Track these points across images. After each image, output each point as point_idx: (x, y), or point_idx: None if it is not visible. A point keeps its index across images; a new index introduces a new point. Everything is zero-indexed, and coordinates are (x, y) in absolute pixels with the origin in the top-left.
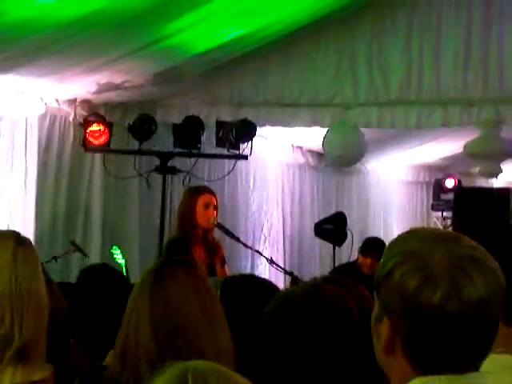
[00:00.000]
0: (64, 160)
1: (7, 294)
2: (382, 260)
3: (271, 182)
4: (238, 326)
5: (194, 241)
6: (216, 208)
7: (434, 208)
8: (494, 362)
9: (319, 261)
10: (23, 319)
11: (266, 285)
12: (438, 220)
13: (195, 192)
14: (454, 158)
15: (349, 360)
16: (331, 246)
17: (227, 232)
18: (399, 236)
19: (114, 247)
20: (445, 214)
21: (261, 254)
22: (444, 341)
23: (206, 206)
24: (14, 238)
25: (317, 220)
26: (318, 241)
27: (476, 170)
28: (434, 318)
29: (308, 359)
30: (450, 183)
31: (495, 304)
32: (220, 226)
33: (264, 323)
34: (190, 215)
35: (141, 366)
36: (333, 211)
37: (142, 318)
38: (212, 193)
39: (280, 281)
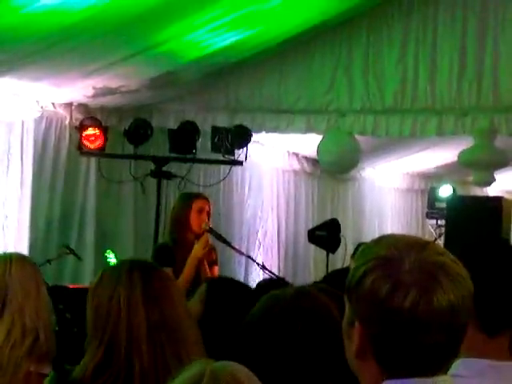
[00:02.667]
0: (60, 163)
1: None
2: (353, 266)
3: (266, 188)
4: (223, 327)
5: (185, 245)
6: (209, 214)
7: (429, 216)
8: (469, 366)
9: (313, 267)
10: (46, 328)
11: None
12: (433, 228)
13: (189, 197)
14: (449, 167)
15: (331, 360)
16: (325, 252)
17: (219, 237)
18: (370, 242)
19: (107, 251)
20: (439, 222)
21: (252, 260)
22: (413, 345)
23: (200, 211)
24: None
25: (311, 226)
26: (312, 247)
27: (471, 178)
28: (404, 323)
29: (292, 358)
30: (444, 191)
31: (464, 309)
32: (212, 231)
33: (252, 322)
34: (184, 220)
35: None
36: (328, 218)
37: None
38: (206, 199)
39: None
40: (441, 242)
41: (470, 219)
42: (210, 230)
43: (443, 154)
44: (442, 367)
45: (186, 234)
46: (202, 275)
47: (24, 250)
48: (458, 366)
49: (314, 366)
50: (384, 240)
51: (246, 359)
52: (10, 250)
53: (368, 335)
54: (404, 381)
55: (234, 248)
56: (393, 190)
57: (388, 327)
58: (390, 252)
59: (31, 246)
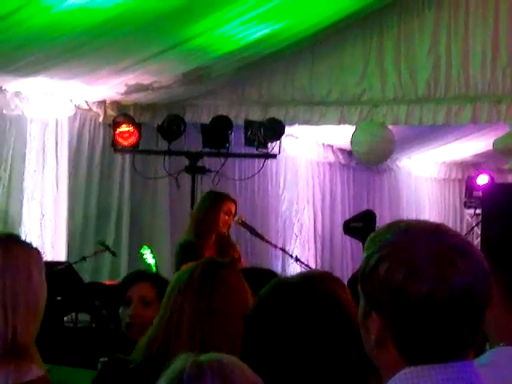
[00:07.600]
0: (94, 161)
1: None
2: (365, 255)
3: (302, 180)
4: None
5: (208, 242)
6: (234, 216)
7: (467, 205)
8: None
9: (351, 259)
10: (15, 317)
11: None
12: (471, 217)
13: (220, 198)
14: (487, 155)
15: (339, 345)
16: (361, 244)
17: (251, 230)
18: (380, 230)
19: (143, 247)
20: (477, 211)
21: (286, 252)
22: (433, 330)
23: (228, 214)
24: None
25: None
26: (349, 239)
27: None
28: (423, 308)
29: (299, 344)
30: (482, 180)
31: (481, 290)
32: (245, 225)
33: (259, 304)
34: (213, 219)
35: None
36: (364, 209)
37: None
38: (234, 201)
39: None
40: (478, 230)
41: (507, 207)
42: (243, 224)
43: (480, 143)
44: (461, 353)
45: (211, 233)
46: None
47: (62, 247)
48: (493, 353)
49: (321, 351)
50: (395, 226)
51: (252, 347)
52: (48, 248)
53: (386, 324)
54: (424, 367)
55: (266, 241)
56: (429, 180)
57: (406, 314)
58: (403, 238)
59: (68, 244)
